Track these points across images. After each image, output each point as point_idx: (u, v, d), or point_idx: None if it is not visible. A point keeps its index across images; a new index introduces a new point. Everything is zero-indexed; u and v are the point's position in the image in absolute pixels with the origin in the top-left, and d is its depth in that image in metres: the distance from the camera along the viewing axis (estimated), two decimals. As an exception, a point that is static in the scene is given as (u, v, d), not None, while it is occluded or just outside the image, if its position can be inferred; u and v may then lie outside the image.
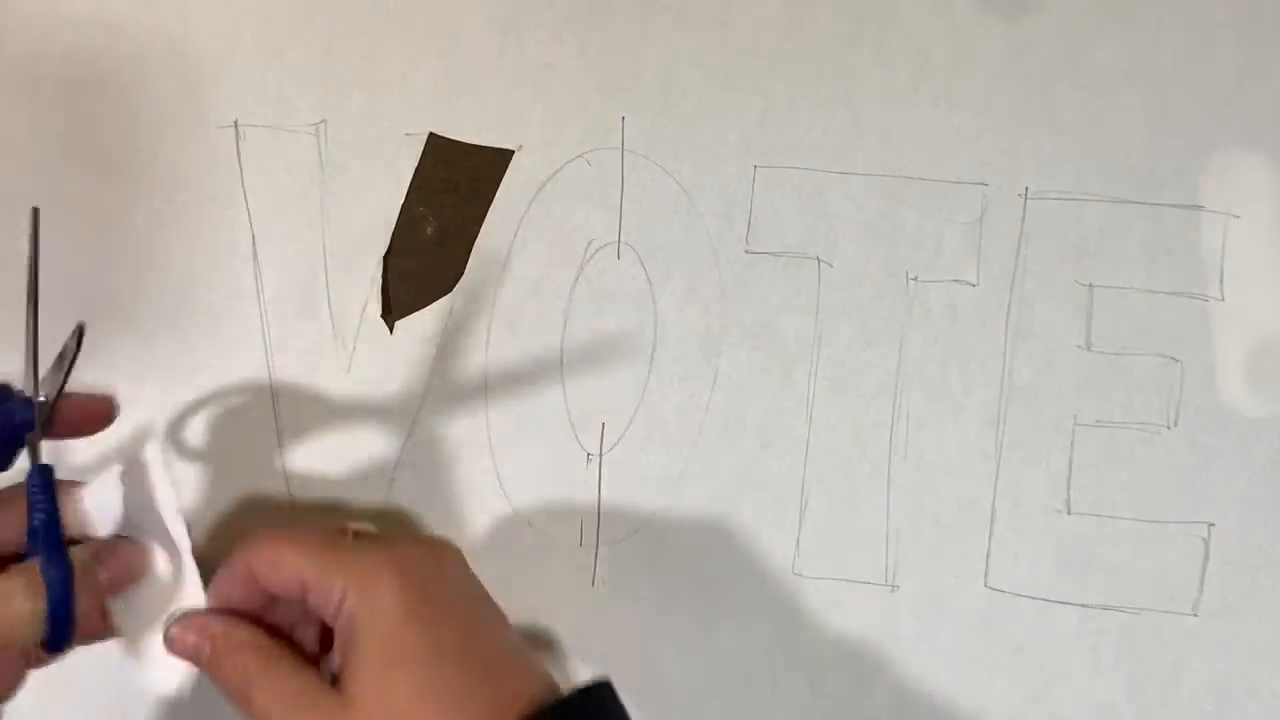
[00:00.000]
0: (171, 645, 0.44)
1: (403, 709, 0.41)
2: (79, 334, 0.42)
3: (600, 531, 0.53)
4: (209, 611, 0.44)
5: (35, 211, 0.42)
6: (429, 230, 0.52)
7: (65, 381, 0.42)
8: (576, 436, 0.53)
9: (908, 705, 0.53)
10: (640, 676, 0.53)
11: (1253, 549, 0.53)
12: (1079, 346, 0.53)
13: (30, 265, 0.41)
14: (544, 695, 0.43)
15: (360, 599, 0.42)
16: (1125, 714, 0.53)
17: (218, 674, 0.43)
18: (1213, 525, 0.53)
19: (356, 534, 0.48)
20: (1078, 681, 0.53)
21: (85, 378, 0.50)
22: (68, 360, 0.42)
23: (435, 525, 0.53)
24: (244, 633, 0.43)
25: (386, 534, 0.52)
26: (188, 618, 0.44)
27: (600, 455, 0.53)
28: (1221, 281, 0.53)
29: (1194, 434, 0.53)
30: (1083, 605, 0.53)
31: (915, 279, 0.53)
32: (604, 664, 0.53)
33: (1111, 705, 0.53)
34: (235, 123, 0.53)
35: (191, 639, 0.43)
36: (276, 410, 0.53)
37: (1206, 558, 0.53)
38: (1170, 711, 0.53)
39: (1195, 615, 0.53)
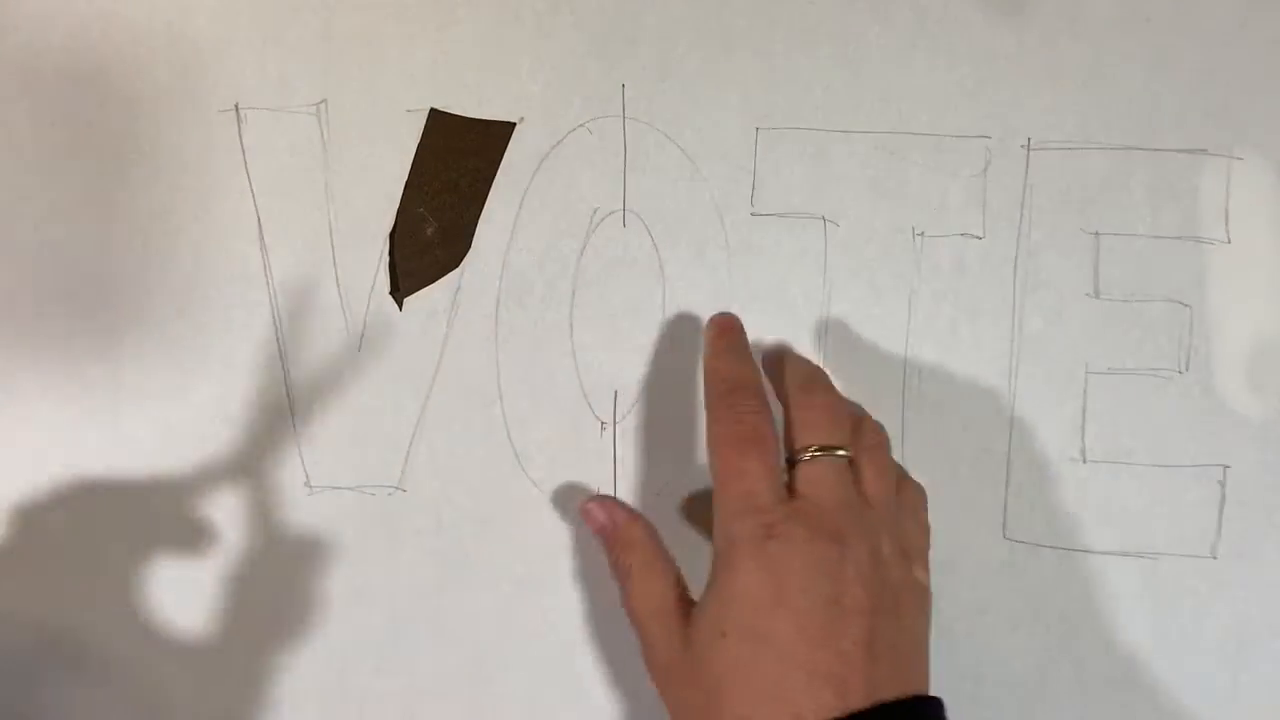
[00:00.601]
0: (584, 515, 0.52)
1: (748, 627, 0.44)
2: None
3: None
4: (621, 502, 0.52)
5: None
6: (429, 231, 0.52)
7: None
8: (590, 406, 0.54)
9: (930, 661, 0.53)
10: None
11: (1268, 489, 0.53)
12: (1088, 295, 0.53)
13: None
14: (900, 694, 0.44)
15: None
16: (1148, 660, 0.53)
17: (610, 555, 0.50)
18: (1228, 467, 0.53)
19: None
20: (1099, 630, 0.53)
21: (93, 373, 0.51)
22: None
23: (452, 501, 0.53)
24: (639, 530, 0.50)
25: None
26: (604, 499, 0.52)
27: (614, 424, 0.54)
28: (1227, 224, 0.53)
29: (1205, 378, 0.53)
30: (1102, 553, 0.53)
31: (922, 234, 0.53)
32: (628, 631, 0.53)
33: (1134, 651, 0.53)
34: (236, 106, 0.53)
35: (601, 517, 0.51)
36: (289, 393, 0.53)
37: (1223, 500, 0.53)
38: (1193, 655, 0.53)
39: (1214, 558, 0.53)
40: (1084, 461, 0.53)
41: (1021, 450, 0.53)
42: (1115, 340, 0.53)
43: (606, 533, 0.51)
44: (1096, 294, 0.53)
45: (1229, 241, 0.53)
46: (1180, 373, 0.53)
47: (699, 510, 0.53)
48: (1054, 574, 0.53)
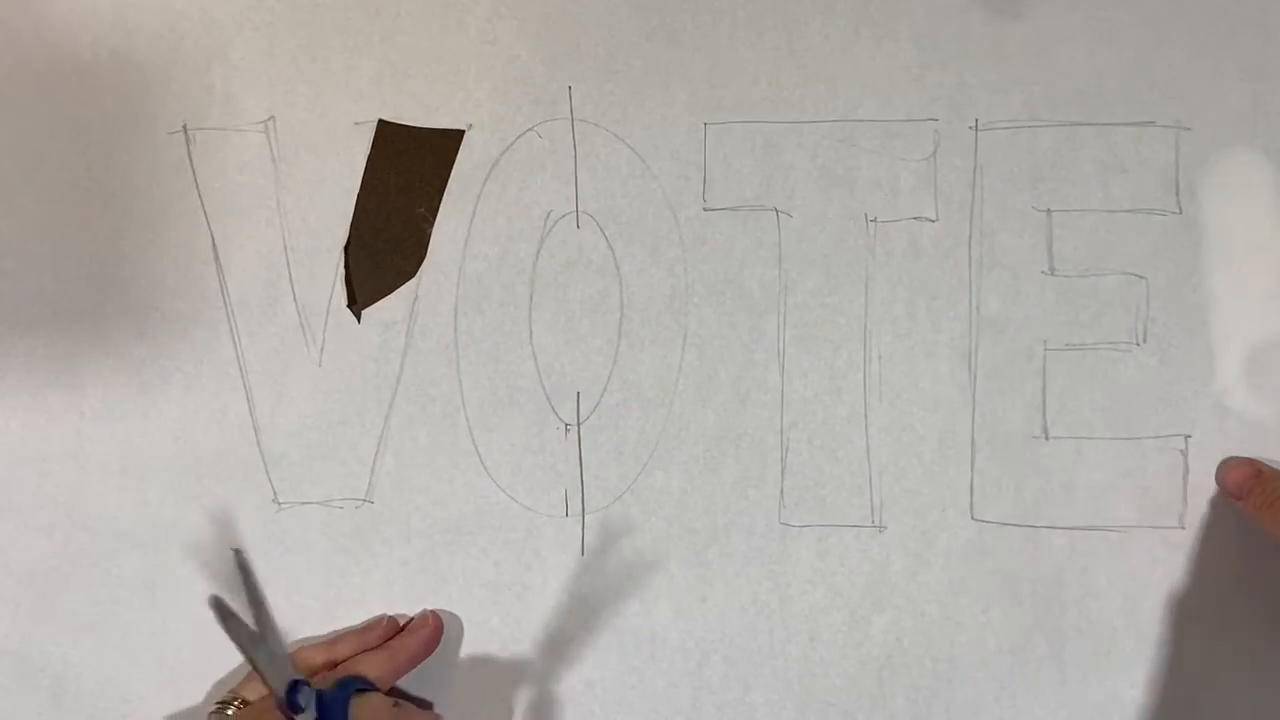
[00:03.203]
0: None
1: None
2: (239, 560, 0.46)
3: (585, 501, 0.54)
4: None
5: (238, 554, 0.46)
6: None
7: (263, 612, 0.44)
8: (553, 408, 0.54)
9: (905, 644, 0.53)
10: (639, 641, 0.53)
11: (1228, 456, 0.53)
12: (1043, 272, 0.53)
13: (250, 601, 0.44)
14: None
15: None
16: (1123, 632, 0.53)
17: None
18: (1189, 437, 0.53)
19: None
20: (1073, 605, 0.53)
21: (55, 400, 0.51)
22: (256, 591, 0.45)
23: (421, 510, 0.53)
24: None
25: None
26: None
27: (578, 425, 0.54)
28: (1177, 195, 0.53)
29: (1164, 348, 0.53)
30: (1069, 528, 0.53)
31: (875, 220, 0.54)
32: (601, 632, 0.53)
33: (1108, 624, 0.53)
34: (184, 127, 0.53)
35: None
36: (253, 410, 0.53)
37: (1186, 470, 0.53)
38: (1168, 625, 0.53)
39: (1182, 527, 0.53)
40: (1046, 439, 0.53)
41: (985, 430, 0.53)
42: (1072, 316, 0.53)
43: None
44: (1051, 271, 0.53)
45: (1180, 212, 0.53)
46: (1138, 345, 0.53)
47: (670, 505, 0.53)
48: (1024, 552, 0.53)
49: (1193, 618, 0.53)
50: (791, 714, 0.53)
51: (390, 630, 0.52)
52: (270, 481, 0.53)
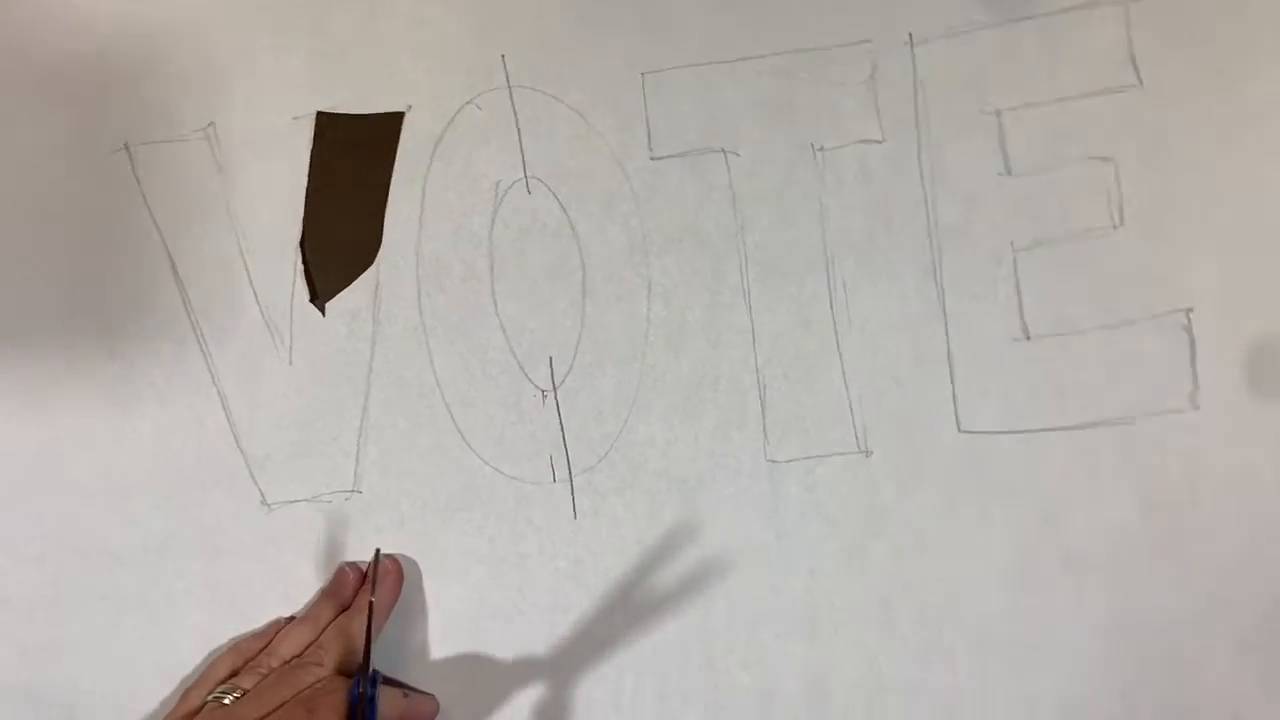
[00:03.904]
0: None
1: None
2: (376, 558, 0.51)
3: (571, 464, 0.53)
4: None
5: (377, 552, 0.51)
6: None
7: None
8: (527, 376, 0.54)
9: (906, 571, 0.53)
10: (640, 595, 0.53)
11: (1237, 324, 0.52)
12: (999, 174, 0.53)
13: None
14: None
15: None
16: (1140, 532, 0.52)
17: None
18: (1191, 310, 0.52)
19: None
20: (1083, 509, 0.52)
21: (31, 428, 0.51)
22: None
23: (410, 494, 0.53)
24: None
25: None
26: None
27: (555, 390, 0.53)
28: (1135, 66, 0.52)
29: (1145, 226, 0.52)
30: (1066, 429, 0.52)
31: (822, 149, 0.53)
32: (603, 592, 0.53)
33: (1125, 525, 0.52)
34: (125, 145, 0.53)
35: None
36: (229, 415, 0.53)
37: (1193, 344, 0.52)
38: (1193, 518, 0.52)
39: (1196, 408, 0.52)
40: (1027, 339, 0.53)
41: (960, 341, 0.53)
42: (1037, 212, 0.53)
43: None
44: (1008, 171, 0.53)
45: (1141, 84, 0.52)
46: (1115, 227, 0.52)
47: (656, 457, 0.53)
48: (1020, 459, 0.53)
49: (1221, 508, 0.52)
50: (801, 648, 0.52)
51: (359, 579, 0.52)
52: (256, 484, 0.53)
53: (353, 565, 0.52)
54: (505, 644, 0.53)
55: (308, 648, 0.50)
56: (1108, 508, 0.52)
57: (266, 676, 0.48)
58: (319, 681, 0.48)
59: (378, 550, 0.51)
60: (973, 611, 0.52)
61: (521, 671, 0.53)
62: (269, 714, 0.46)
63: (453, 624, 0.53)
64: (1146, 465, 0.52)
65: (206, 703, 0.48)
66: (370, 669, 0.48)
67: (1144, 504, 0.52)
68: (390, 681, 0.52)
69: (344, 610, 0.52)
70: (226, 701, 0.46)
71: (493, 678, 0.53)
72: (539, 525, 0.53)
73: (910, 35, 0.53)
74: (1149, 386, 0.52)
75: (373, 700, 0.47)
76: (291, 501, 0.53)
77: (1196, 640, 0.52)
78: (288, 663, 0.49)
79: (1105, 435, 0.52)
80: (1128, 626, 0.52)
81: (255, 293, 0.53)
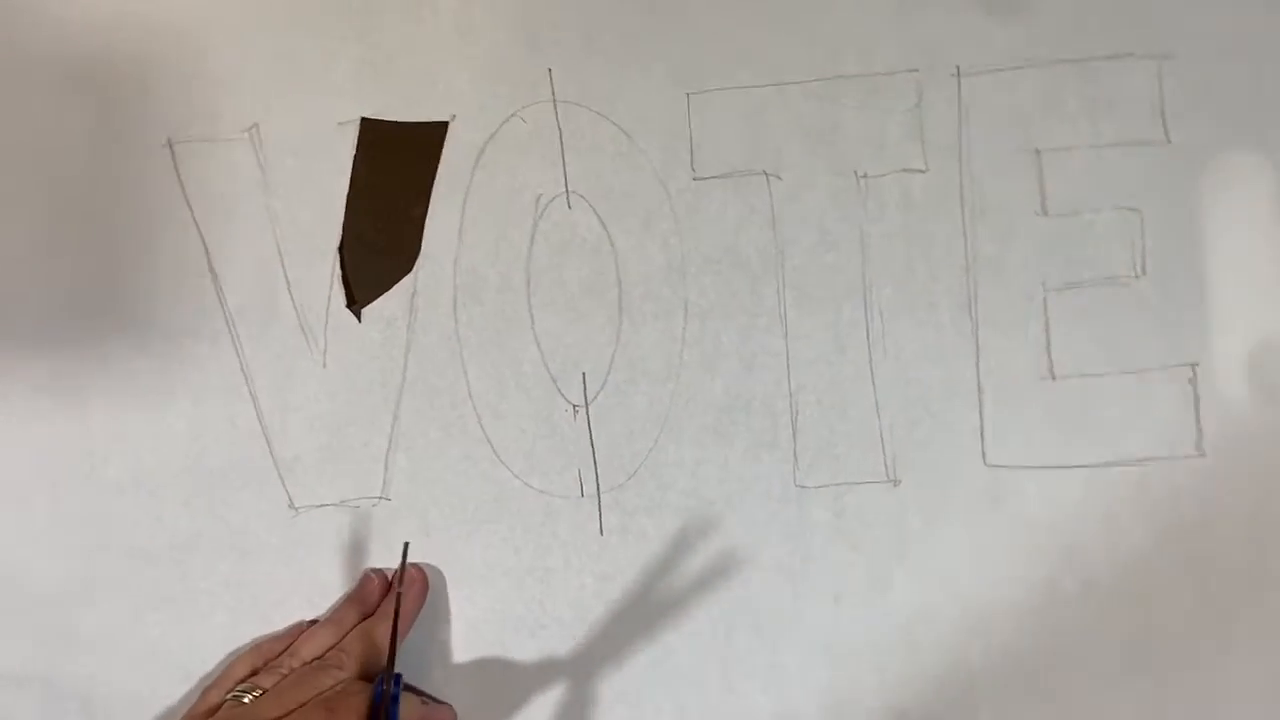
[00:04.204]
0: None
1: None
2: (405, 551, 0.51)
3: (600, 480, 0.54)
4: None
5: (406, 546, 0.51)
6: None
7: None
8: (560, 391, 0.54)
9: (930, 599, 0.53)
10: (663, 614, 0.53)
11: (1236, 380, 0.53)
12: (1036, 213, 0.53)
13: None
14: None
15: None
16: (1158, 566, 0.53)
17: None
18: (1196, 365, 0.53)
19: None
20: (1100, 545, 0.53)
21: (63, 423, 0.51)
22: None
23: (438, 503, 0.53)
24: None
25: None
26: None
27: (586, 405, 0.54)
28: (1164, 123, 0.53)
29: (1163, 279, 0.53)
30: (1086, 466, 0.53)
31: (865, 176, 0.54)
32: (626, 609, 0.53)
33: (1142, 560, 0.53)
34: (168, 141, 0.53)
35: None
36: (261, 417, 0.53)
37: (1197, 397, 0.53)
38: (1205, 554, 0.53)
39: (1202, 455, 0.53)
40: (1053, 379, 0.53)
41: (990, 375, 0.53)
42: (1069, 254, 0.53)
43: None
44: (1045, 211, 0.53)
45: (1169, 141, 0.53)
46: (1137, 277, 0.53)
47: (685, 477, 0.53)
48: (1043, 496, 0.53)
49: (1232, 544, 0.53)
50: (823, 674, 0.53)
51: (384, 586, 0.52)
52: (285, 487, 0.53)
53: (378, 572, 0.53)
54: (526, 656, 0.53)
55: (329, 650, 0.50)
56: (1124, 545, 0.53)
57: (286, 677, 0.48)
58: (339, 683, 0.48)
59: (406, 544, 0.51)
60: (996, 640, 0.53)
61: (541, 685, 0.53)
62: (288, 714, 0.46)
63: (475, 634, 0.53)
64: (1159, 504, 0.53)
65: (225, 701, 0.48)
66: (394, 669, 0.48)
67: (1159, 540, 0.53)
68: (409, 688, 0.52)
69: (367, 616, 0.52)
70: (246, 700, 0.47)
71: (512, 690, 0.53)
72: (565, 540, 0.54)
73: (958, 68, 0.53)
74: (1160, 431, 0.53)
75: (396, 699, 0.47)
76: (319, 505, 0.53)
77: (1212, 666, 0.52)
78: (308, 664, 0.49)
79: (1120, 475, 0.53)
80: (1147, 655, 0.53)
81: (292, 296, 0.53)
